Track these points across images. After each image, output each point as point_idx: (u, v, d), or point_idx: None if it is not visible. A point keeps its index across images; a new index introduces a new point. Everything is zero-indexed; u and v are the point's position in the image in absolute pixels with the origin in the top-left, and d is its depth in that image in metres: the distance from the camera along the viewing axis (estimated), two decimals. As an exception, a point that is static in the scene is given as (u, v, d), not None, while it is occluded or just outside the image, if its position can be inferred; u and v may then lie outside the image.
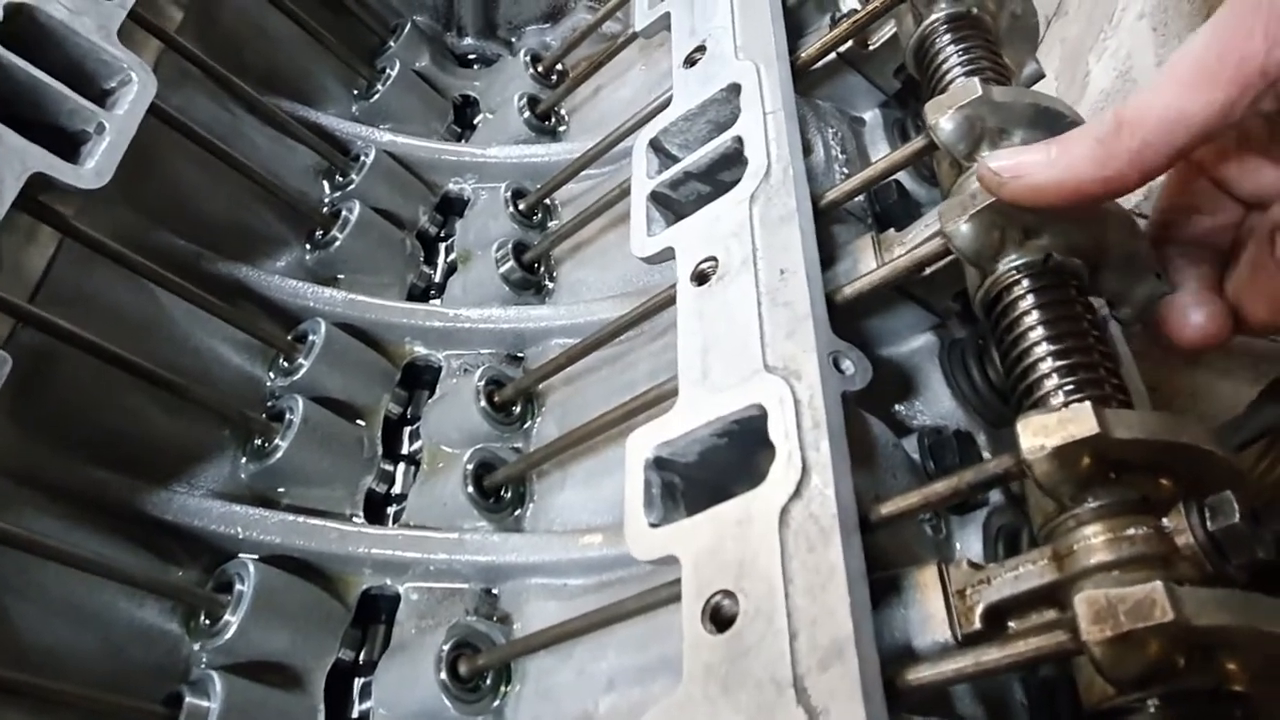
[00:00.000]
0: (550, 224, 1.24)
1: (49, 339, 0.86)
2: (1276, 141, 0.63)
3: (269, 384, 1.05)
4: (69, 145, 0.90)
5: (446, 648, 0.84)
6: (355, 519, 1.00)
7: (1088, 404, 0.52)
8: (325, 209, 1.19)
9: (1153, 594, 0.45)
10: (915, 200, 0.94)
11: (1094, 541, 0.52)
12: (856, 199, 0.89)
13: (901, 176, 0.93)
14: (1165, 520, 0.52)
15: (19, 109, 0.87)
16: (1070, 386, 0.60)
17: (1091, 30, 2.14)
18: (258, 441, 0.98)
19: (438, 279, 1.25)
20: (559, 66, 1.41)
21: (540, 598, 0.91)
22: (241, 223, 1.13)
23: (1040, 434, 0.53)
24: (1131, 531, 0.51)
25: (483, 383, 1.03)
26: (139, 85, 0.94)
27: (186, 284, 0.97)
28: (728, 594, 0.59)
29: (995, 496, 0.75)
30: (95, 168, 0.87)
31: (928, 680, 0.53)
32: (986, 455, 0.76)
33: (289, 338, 1.07)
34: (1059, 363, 0.61)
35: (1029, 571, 0.55)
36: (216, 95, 1.16)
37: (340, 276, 1.17)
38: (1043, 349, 0.62)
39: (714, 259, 0.77)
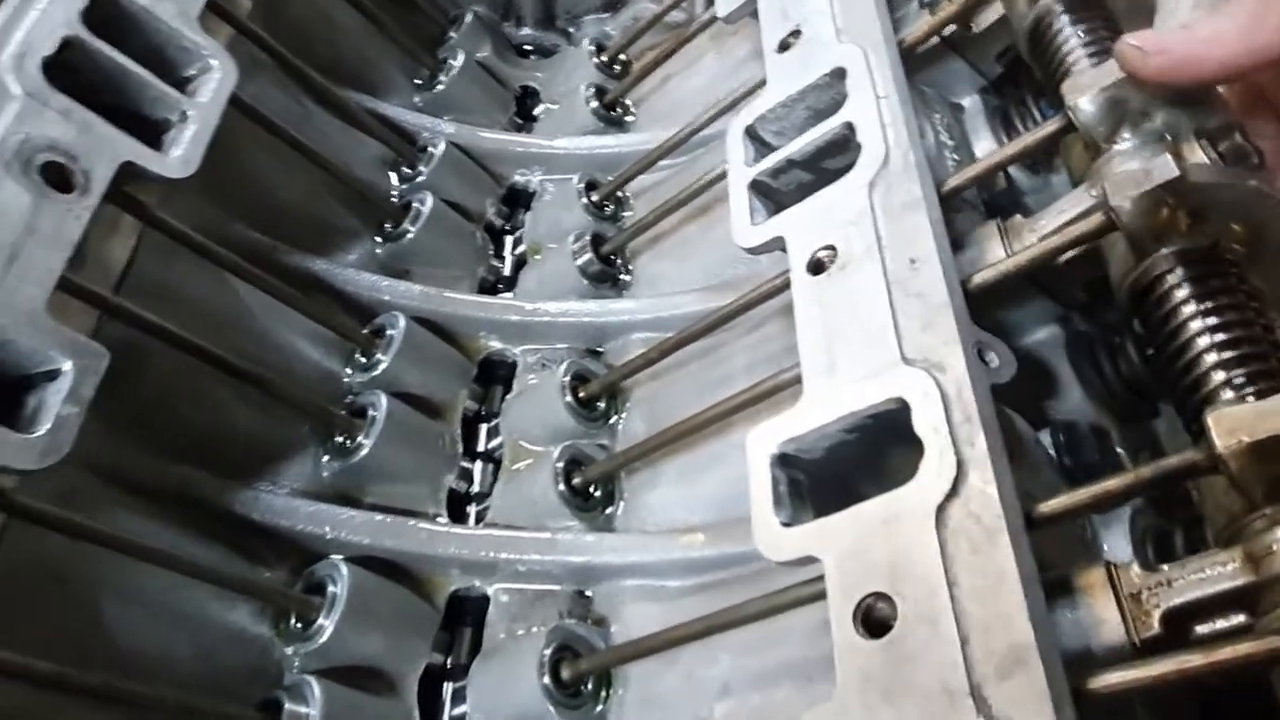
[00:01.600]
0: (623, 216, 1.21)
1: (132, 332, 0.83)
2: None
3: (346, 380, 1.02)
4: (152, 134, 0.87)
5: (548, 651, 0.81)
6: (439, 518, 0.97)
7: (1287, 396, 0.49)
8: (395, 201, 1.17)
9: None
10: (1020, 190, 0.91)
11: (1295, 541, 0.49)
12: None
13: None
14: (1376, 520, 0.49)
15: (103, 96, 0.85)
16: (1242, 378, 0.57)
17: None
18: (339, 439, 0.96)
19: (507, 272, 1.22)
20: (622, 56, 1.38)
21: (638, 600, 0.88)
22: (314, 215, 1.10)
23: (1237, 427, 0.50)
24: (1341, 531, 0.48)
25: (568, 378, 1.00)
26: (221, 72, 0.92)
27: (266, 276, 0.95)
28: (882, 597, 0.56)
29: (1137, 499, 0.72)
30: (182, 156, 0.85)
31: (1119, 685, 0.50)
32: (1120, 451, 0.73)
33: (366, 332, 1.04)
34: (1227, 354, 0.58)
35: (1219, 574, 0.52)
36: (286, 86, 1.13)
37: (412, 269, 1.14)
38: (1208, 338, 0.59)
39: (832, 247, 0.74)
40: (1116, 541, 0.69)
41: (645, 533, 0.91)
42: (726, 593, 0.82)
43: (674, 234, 1.13)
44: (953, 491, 0.57)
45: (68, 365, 0.69)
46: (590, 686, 0.83)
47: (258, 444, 0.93)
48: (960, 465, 0.57)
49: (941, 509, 0.56)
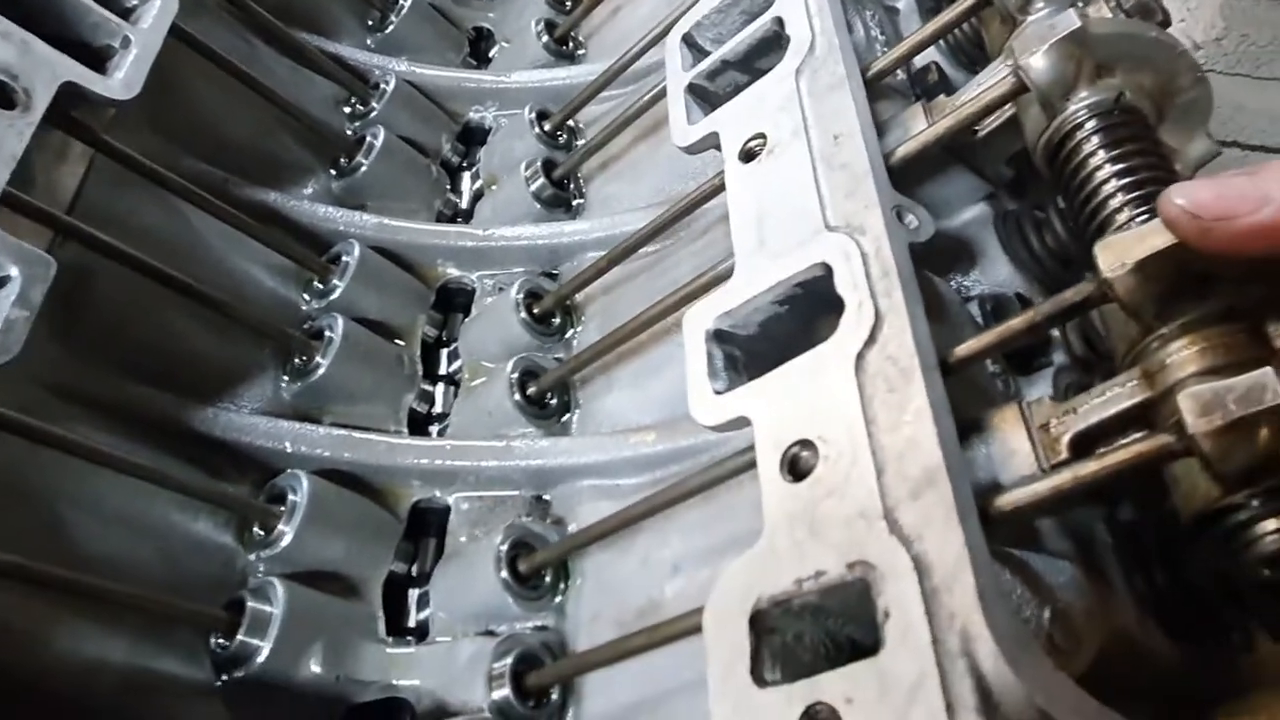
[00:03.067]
0: (576, 145, 1.22)
1: (87, 254, 0.85)
2: None
3: (304, 306, 1.04)
4: (96, 61, 0.88)
5: (504, 547, 0.84)
6: (399, 435, 0.99)
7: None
8: (349, 137, 1.18)
9: (1262, 379, 0.44)
10: (955, 85, 0.93)
11: (1186, 354, 0.51)
12: (899, 80, 0.88)
13: (940, 61, 0.92)
14: (1261, 326, 0.51)
15: (43, 24, 0.85)
16: (1146, 215, 0.59)
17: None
18: (298, 360, 0.97)
19: (464, 206, 1.24)
20: (572, -8, 1.39)
21: (593, 499, 0.90)
22: (266, 149, 1.11)
23: (1120, 251, 0.52)
24: (1227, 339, 0.50)
25: (521, 295, 1.02)
26: (161, 1, 0.92)
27: (218, 203, 0.96)
28: (805, 444, 0.59)
29: (1059, 357, 0.74)
30: (124, 79, 0.86)
31: (1023, 501, 0.53)
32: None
33: (322, 259, 1.05)
34: (1134, 193, 0.60)
35: (1118, 394, 0.54)
36: (232, 25, 1.14)
37: (367, 204, 1.15)
38: (1115, 182, 0.61)
39: (762, 135, 0.76)
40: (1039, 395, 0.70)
41: (600, 434, 0.93)
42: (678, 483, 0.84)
43: (624, 156, 1.14)
44: (870, 339, 0.59)
45: (15, 271, 0.70)
46: (549, 579, 0.85)
47: (217, 366, 0.94)
48: (878, 315, 0.59)
49: (860, 356, 0.59)
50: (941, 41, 0.92)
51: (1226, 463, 0.46)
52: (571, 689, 0.79)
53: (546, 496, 0.92)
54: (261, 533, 0.85)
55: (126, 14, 0.93)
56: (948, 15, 0.76)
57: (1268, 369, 0.44)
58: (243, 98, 1.08)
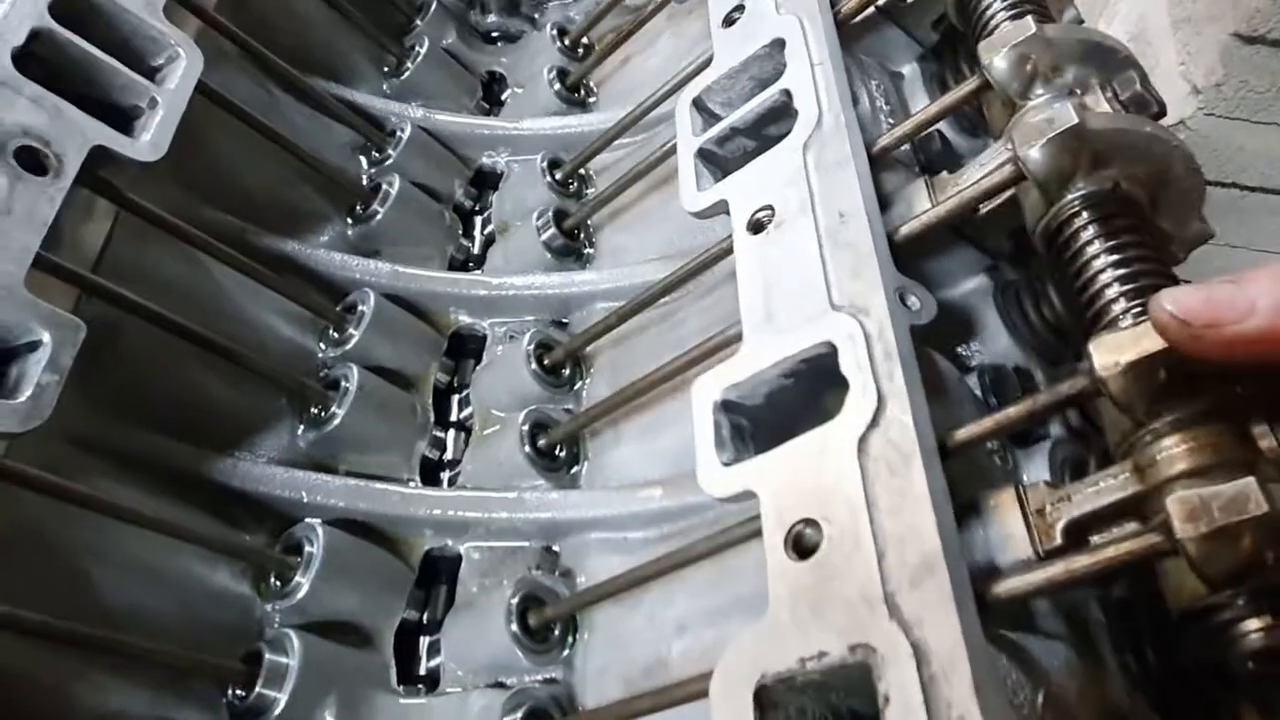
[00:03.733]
0: (586, 193, 1.25)
1: (111, 310, 0.87)
2: None
3: (320, 355, 1.06)
4: (122, 120, 0.91)
5: (514, 600, 0.86)
6: (413, 484, 1.01)
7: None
8: (365, 184, 1.20)
9: (1246, 489, 0.47)
10: (957, 151, 0.95)
11: (1176, 451, 0.53)
12: (903, 150, 0.91)
13: (943, 128, 0.95)
14: (1247, 426, 0.53)
15: (73, 85, 0.88)
16: (1139, 308, 0.61)
17: (1103, -8, 2.14)
18: (314, 410, 1.00)
19: (476, 251, 1.26)
20: (585, 39, 1.42)
21: (601, 552, 0.93)
22: (284, 198, 1.14)
23: (1113, 351, 0.55)
24: (1214, 439, 0.52)
25: (532, 346, 1.04)
26: (186, 61, 0.95)
27: (239, 255, 0.99)
28: (809, 522, 0.61)
29: (1056, 430, 0.76)
30: (151, 140, 0.89)
31: (1018, 590, 0.55)
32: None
33: (338, 309, 1.08)
34: (1127, 286, 0.62)
35: (1110, 485, 0.56)
36: (253, 75, 1.17)
37: (381, 250, 1.18)
38: (1110, 273, 0.63)
39: (770, 207, 0.79)
40: (1038, 472, 0.73)
41: (609, 488, 0.95)
42: (684, 542, 0.86)
43: (634, 208, 1.17)
44: (873, 422, 0.61)
45: (46, 336, 0.73)
46: (557, 633, 0.87)
47: (235, 416, 0.97)
48: (880, 398, 0.62)
49: (863, 438, 0.61)
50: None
51: (1211, 566, 0.48)
52: (579, 743, 0.81)
53: (555, 548, 0.95)
54: (278, 583, 0.88)
55: (153, 73, 0.96)
56: (949, 99, 0.79)
57: (1250, 480, 0.46)
58: (263, 148, 1.10)
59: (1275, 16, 1.63)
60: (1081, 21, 0.94)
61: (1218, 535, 0.47)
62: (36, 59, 0.86)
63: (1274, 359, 0.50)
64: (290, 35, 1.27)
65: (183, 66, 0.95)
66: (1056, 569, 0.54)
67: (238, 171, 1.11)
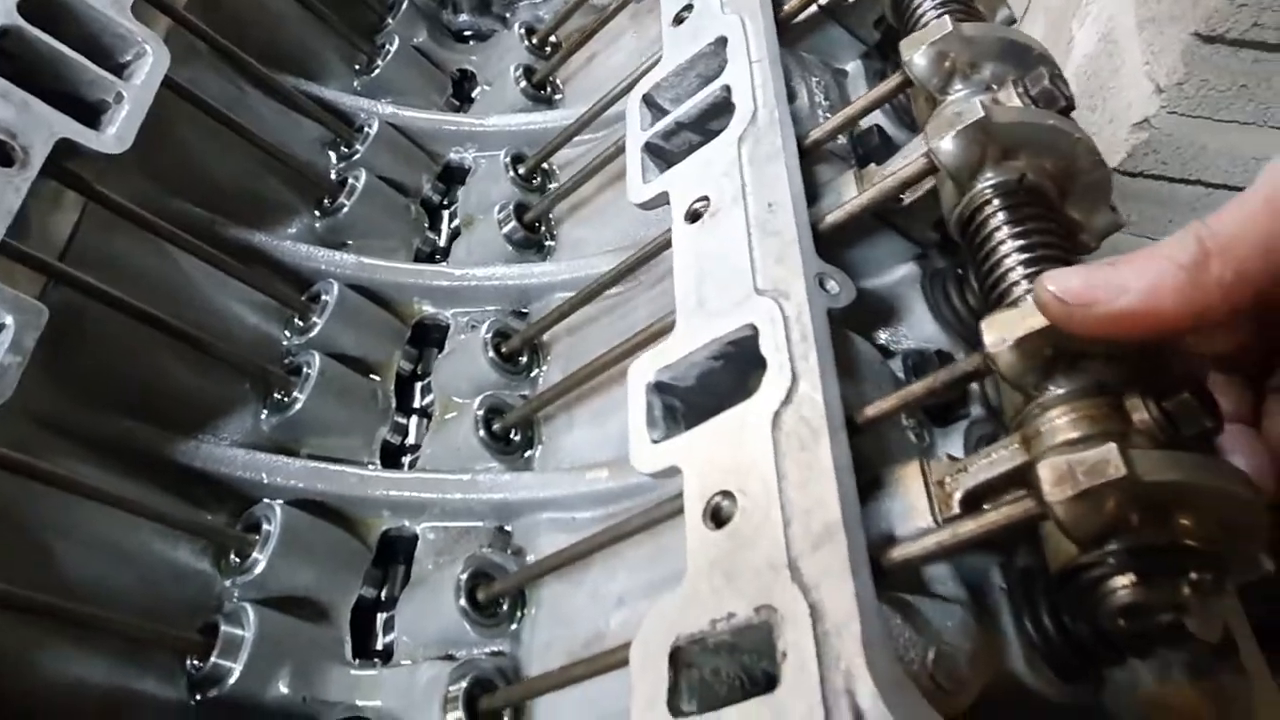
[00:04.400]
0: (550, 187, 1.29)
1: (78, 297, 0.90)
2: None
3: (285, 343, 1.10)
4: (90, 115, 0.94)
5: (464, 576, 0.89)
6: (372, 466, 1.05)
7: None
8: (333, 178, 1.24)
9: (1107, 455, 0.50)
10: (897, 145, 0.98)
11: (1058, 423, 0.57)
12: (841, 143, 0.94)
13: (884, 123, 0.98)
14: (1124, 400, 0.56)
15: (42, 81, 0.92)
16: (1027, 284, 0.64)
17: (1073, -6, 2.18)
18: (277, 395, 1.03)
19: (442, 244, 1.30)
20: (553, 38, 1.46)
21: (551, 531, 0.96)
22: (253, 191, 1.17)
23: (1002, 328, 0.58)
24: (1092, 411, 0.56)
25: (490, 334, 1.08)
26: (153, 57, 0.99)
27: (205, 246, 1.02)
28: (727, 494, 0.64)
29: (976, 410, 0.80)
30: (116, 134, 0.92)
31: (910, 555, 0.58)
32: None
33: (303, 298, 1.11)
34: (1028, 269, 0.65)
35: (1001, 457, 0.60)
36: (223, 71, 1.20)
37: (349, 242, 1.21)
38: (1013, 258, 0.66)
39: (706, 198, 0.82)
40: (955, 449, 0.76)
41: (559, 470, 0.98)
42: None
43: (592, 201, 1.20)
44: (787, 399, 0.64)
45: (9, 320, 0.76)
46: (506, 608, 0.90)
47: (200, 400, 1.00)
48: (794, 377, 0.65)
49: (777, 415, 0.64)
50: (887, 104, 0.98)
51: (1078, 527, 0.51)
52: (523, 712, 0.85)
53: (508, 528, 0.98)
54: (237, 560, 0.91)
55: (121, 69, 0.99)
56: (874, 94, 0.82)
57: (1112, 445, 0.50)
58: (231, 142, 1.14)
59: (1232, 16, 1.66)
60: (1014, 21, 0.98)
61: (1081, 498, 0.50)
62: (6, 55, 0.89)
63: (1145, 337, 0.54)
64: (263, 32, 1.31)
65: (150, 63, 0.99)
66: (944, 535, 0.57)
67: (207, 165, 1.15)
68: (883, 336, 0.84)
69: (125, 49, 0.99)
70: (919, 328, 0.84)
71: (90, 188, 0.95)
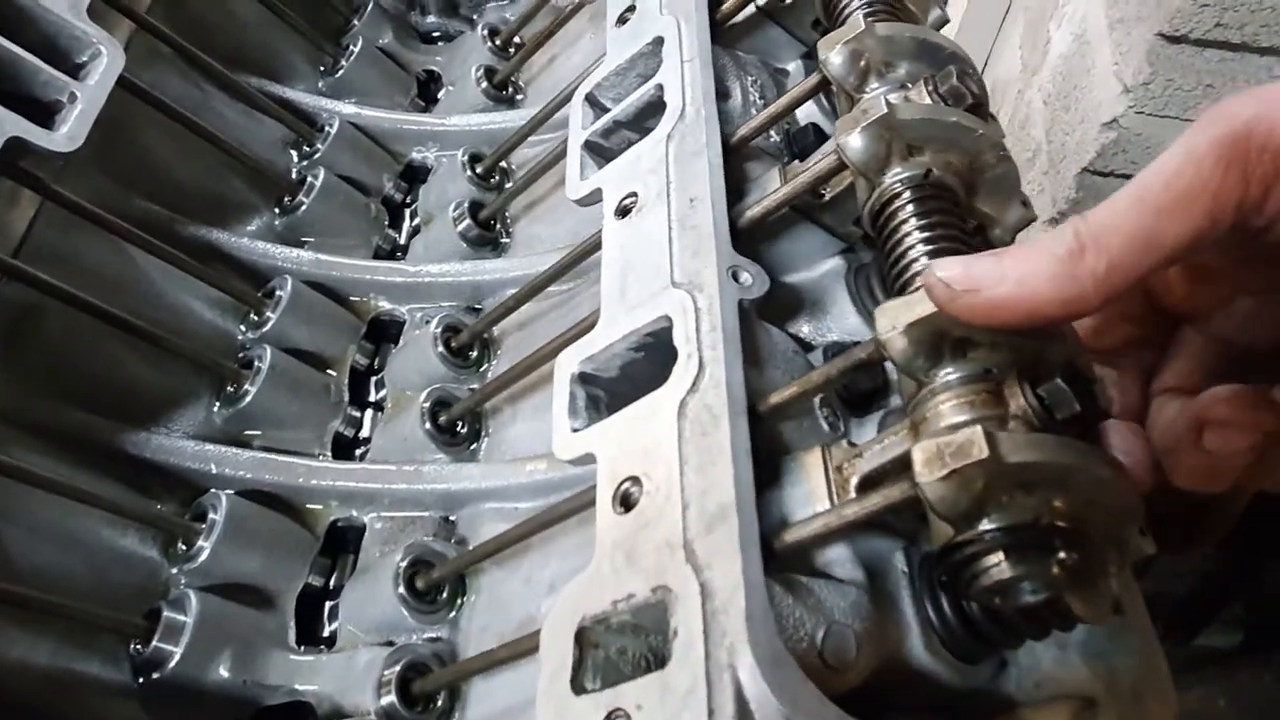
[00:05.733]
0: (507, 186, 1.31)
1: (33, 292, 0.93)
2: (1231, 264, 0.59)
3: (240, 338, 1.12)
4: (45, 115, 0.97)
5: (403, 564, 0.91)
6: (322, 458, 1.07)
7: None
8: (293, 176, 1.26)
9: (972, 437, 0.52)
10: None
11: (943, 408, 0.59)
12: (773, 141, 0.96)
13: (819, 121, 1.00)
14: (1002, 386, 0.58)
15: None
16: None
17: (1050, -2, 2.19)
18: (229, 388, 1.05)
19: (403, 241, 1.32)
20: (516, 39, 1.48)
21: (494, 521, 0.98)
22: (212, 190, 1.20)
23: (893, 315, 0.60)
24: (971, 397, 0.58)
25: (439, 329, 1.10)
26: (108, 59, 1.01)
27: (161, 244, 1.04)
28: (634, 480, 0.66)
29: (896, 401, 0.82)
30: (68, 133, 0.94)
31: (800, 537, 0.60)
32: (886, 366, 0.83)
33: (259, 294, 1.14)
34: (930, 260, 0.67)
35: (892, 442, 0.62)
36: (186, 73, 1.23)
37: (308, 240, 1.24)
38: (916, 249, 0.68)
39: (634, 194, 0.84)
40: (867, 436, 0.78)
41: (500, 462, 1.01)
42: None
43: (546, 200, 1.23)
44: (693, 387, 0.66)
45: (-46, 315, 0.79)
46: (445, 594, 0.93)
47: (154, 393, 1.03)
48: (701, 365, 0.67)
49: (684, 402, 0.66)
50: (823, 101, 1.00)
51: (949, 508, 0.53)
52: (458, 695, 0.87)
53: (453, 518, 1.00)
54: (184, 547, 0.93)
55: (76, 70, 1.01)
56: (795, 93, 0.84)
57: (977, 428, 0.52)
58: (192, 143, 1.16)
59: (1195, 16, 1.67)
60: (946, 22, 0.99)
61: (948, 479, 0.52)
62: (-42, 57, 0.92)
63: (1021, 324, 0.56)
64: (227, 35, 1.33)
65: (104, 64, 1.01)
66: (831, 517, 0.59)
67: (168, 164, 1.17)
68: (806, 329, 0.86)
69: (80, 50, 1.02)
70: (843, 321, 0.86)
71: (45, 186, 0.97)
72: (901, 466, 0.61)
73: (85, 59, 1.02)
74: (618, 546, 0.64)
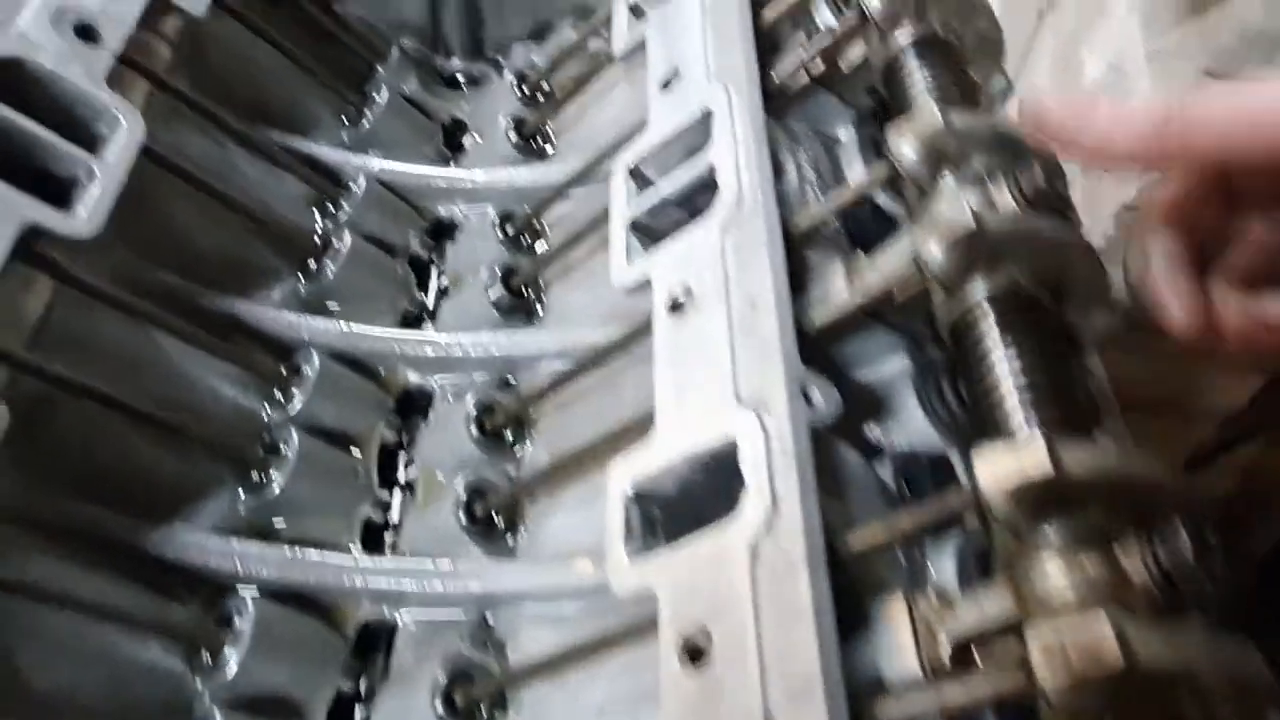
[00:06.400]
0: (539, 245, 1.25)
1: (47, 385, 0.88)
2: None
3: (265, 418, 1.07)
4: (63, 190, 0.92)
5: (443, 680, 0.86)
6: (353, 548, 1.02)
7: (1040, 438, 0.53)
8: (317, 239, 1.21)
9: (1102, 637, 0.46)
10: (890, 217, 0.95)
11: (1049, 570, 0.53)
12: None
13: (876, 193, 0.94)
14: (1119, 550, 0.53)
15: (11, 157, 0.89)
16: (1025, 414, 0.61)
17: (1083, 22, 2.13)
18: (255, 476, 1.00)
19: (430, 304, 1.27)
20: (545, 86, 1.42)
21: (534, 625, 0.93)
22: (236, 257, 1.15)
23: (996, 470, 0.54)
24: (1085, 563, 0.52)
25: (474, 409, 1.04)
26: (127, 129, 0.96)
27: (182, 323, 1.00)
28: (702, 630, 0.61)
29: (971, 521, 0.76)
30: (88, 216, 0.89)
31: (894, 718, 0.54)
32: (963, 479, 0.77)
33: (283, 370, 1.09)
34: (1022, 394, 0.61)
35: (989, 603, 0.56)
36: (207, 130, 1.18)
37: (334, 305, 1.18)
38: (1008, 382, 0.62)
39: (688, 288, 0.79)
40: (944, 562, 0.72)
41: (541, 560, 0.95)
42: (616, 616, 0.86)
43: (584, 265, 1.17)
44: (766, 526, 0.61)
45: (-35, 423, 0.74)
46: (485, 710, 0.87)
47: (175, 485, 0.97)
48: (775, 501, 0.62)
49: (755, 543, 0.61)
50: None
51: (1073, 712, 0.48)
52: (502, 823, 0.82)
53: (490, 620, 0.95)
54: (209, 657, 0.88)
55: (93, 143, 0.96)
56: (863, 181, 0.79)
57: (1108, 630, 0.46)
58: (213, 208, 1.11)
59: (1243, 54, 1.61)
60: (1009, 89, 0.94)
61: (1076, 687, 0.46)
62: (-31, 135, 0.87)
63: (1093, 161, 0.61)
64: (249, 87, 1.28)
65: (123, 135, 0.96)
66: (929, 700, 0.53)
67: (188, 231, 1.12)
68: (871, 430, 0.80)
69: (98, 119, 0.97)
70: (909, 424, 0.80)
71: (62, 271, 0.92)
72: (1002, 629, 0.56)
73: (104, 129, 0.97)
74: (687, 709, 0.59)
